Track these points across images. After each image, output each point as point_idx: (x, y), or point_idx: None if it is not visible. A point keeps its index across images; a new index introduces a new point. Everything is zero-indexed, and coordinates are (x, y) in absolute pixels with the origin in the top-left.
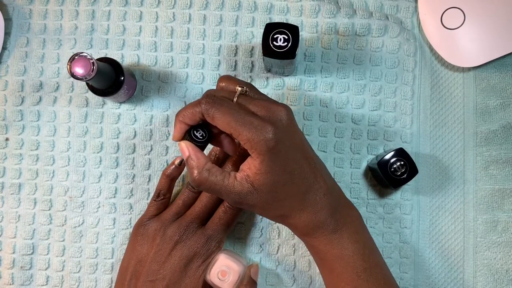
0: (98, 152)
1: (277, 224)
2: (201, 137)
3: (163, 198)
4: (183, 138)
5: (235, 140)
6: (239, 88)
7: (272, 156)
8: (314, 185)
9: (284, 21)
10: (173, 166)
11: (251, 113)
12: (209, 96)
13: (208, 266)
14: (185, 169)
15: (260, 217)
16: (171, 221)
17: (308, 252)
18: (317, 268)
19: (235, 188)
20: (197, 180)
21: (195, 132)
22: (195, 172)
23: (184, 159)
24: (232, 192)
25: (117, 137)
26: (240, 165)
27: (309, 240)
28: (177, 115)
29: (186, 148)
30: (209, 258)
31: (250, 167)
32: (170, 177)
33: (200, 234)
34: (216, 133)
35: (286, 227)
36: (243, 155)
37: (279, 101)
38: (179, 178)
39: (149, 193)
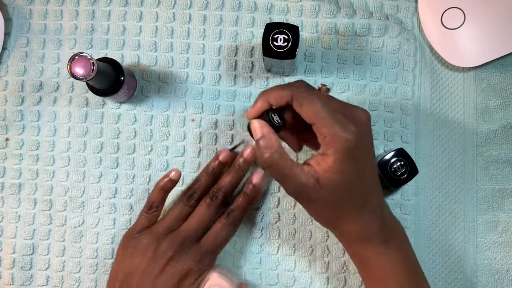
0: (98, 152)
1: (277, 224)
2: (277, 122)
3: (155, 210)
4: (260, 117)
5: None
6: (323, 86)
7: (348, 157)
8: (373, 195)
9: (284, 21)
10: (167, 179)
11: (338, 110)
12: (302, 82)
13: (200, 284)
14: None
15: (260, 217)
16: (164, 235)
17: (308, 252)
18: (317, 268)
19: (301, 179)
20: (267, 161)
21: (272, 115)
22: (267, 152)
23: (255, 139)
24: (297, 181)
25: (117, 137)
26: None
27: (356, 249)
28: (263, 92)
29: (260, 128)
30: (202, 275)
31: (319, 163)
32: (164, 189)
33: (194, 251)
34: (287, 126)
35: (286, 227)
36: None
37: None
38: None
39: (149, 193)
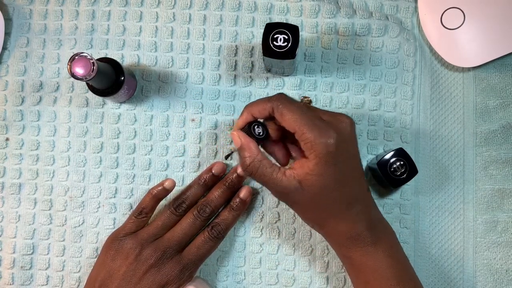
0: (98, 152)
1: (277, 223)
2: (258, 135)
3: (144, 216)
4: (243, 129)
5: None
6: (304, 98)
7: (328, 161)
8: (359, 197)
9: (284, 21)
10: (161, 187)
11: (318, 117)
12: (282, 95)
13: None
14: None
15: (260, 216)
16: (148, 241)
17: (308, 252)
18: (316, 267)
19: (282, 183)
20: (249, 169)
21: (255, 127)
22: (248, 161)
23: (237, 148)
24: (279, 186)
25: (117, 137)
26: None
27: (344, 251)
28: (247, 106)
29: (238, 138)
30: (181, 287)
31: (302, 166)
32: (157, 197)
33: (176, 262)
34: (272, 140)
35: (285, 227)
36: None
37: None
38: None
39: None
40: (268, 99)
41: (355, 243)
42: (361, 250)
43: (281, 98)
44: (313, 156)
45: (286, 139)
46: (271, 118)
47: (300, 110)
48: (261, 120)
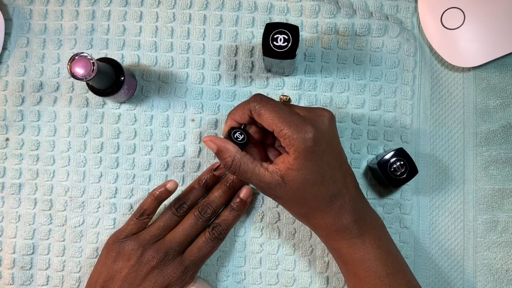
0: (98, 152)
1: (277, 224)
2: (238, 139)
3: (146, 218)
4: (225, 136)
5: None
6: (282, 96)
7: (307, 155)
8: (342, 190)
9: (284, 21)
10: (163, 188)
11: (295, 113)
12: (258, 95)
13: None
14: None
15: (261, 217)
16: (150, 243)
17: (308, 252)
18: (317, 268)
19: (265, 178)
20: (232, 168)
21: (236, 133)
22: (229, 160)
23: (214, 153)
24: (262, 181)
25: (117, 137)
26: None
27: (332, 244)
28: (229, 113)
29: (212, 143)
30: None
31: (284, 161)
32: (159, 199)
33: (177, 263)
34: (254, 142)
35: (285, 227)
36: None
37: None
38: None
39: (149, 193)
40: (246, 102)
41: (341, 235)
42: (348, 242)
43: (258, 98)
44: (292, 151)
45: (268, 145)
46: (254, 121)
47: (277, 108)
48: (242, 126)
